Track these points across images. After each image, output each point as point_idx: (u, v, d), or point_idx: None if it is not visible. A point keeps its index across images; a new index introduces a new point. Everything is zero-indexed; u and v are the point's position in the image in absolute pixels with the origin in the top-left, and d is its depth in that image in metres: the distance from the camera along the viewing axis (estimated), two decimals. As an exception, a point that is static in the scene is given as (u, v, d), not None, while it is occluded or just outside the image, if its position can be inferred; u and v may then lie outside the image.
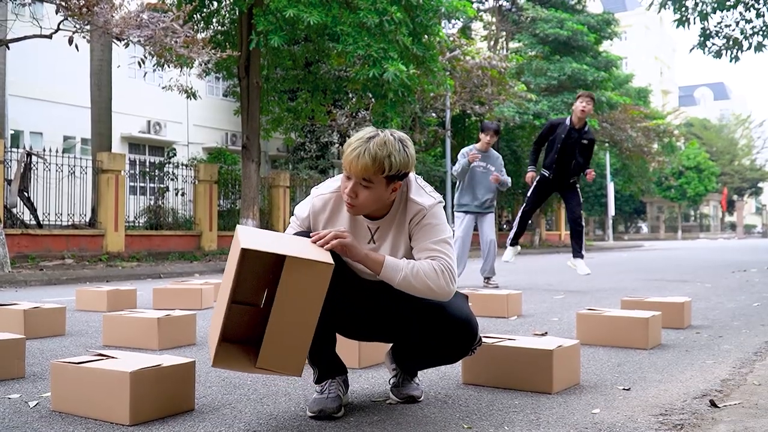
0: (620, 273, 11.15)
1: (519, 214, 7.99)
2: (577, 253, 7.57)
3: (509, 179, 8.22)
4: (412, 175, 2.53)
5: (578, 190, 7.79)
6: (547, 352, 2.85)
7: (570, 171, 7.67)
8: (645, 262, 15.18)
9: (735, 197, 62.91)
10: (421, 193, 2.51)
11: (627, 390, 2.89)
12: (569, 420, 2.45)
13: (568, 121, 7.63)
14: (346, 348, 3.33)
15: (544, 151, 7.92)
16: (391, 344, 2.79)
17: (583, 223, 7.67)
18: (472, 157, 7.80)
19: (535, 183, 7.91)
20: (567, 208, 7.82)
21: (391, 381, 2.75)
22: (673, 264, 14.14)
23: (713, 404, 2.58)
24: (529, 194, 7.96)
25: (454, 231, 8.21)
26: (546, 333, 4.18)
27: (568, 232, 7.75)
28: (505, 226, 29.19)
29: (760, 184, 64.66)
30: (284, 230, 2.72)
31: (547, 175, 7.78)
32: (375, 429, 2.34)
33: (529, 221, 7.91)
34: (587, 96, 7.58)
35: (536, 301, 6.64)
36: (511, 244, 7.88)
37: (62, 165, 13.49)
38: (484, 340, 3.03)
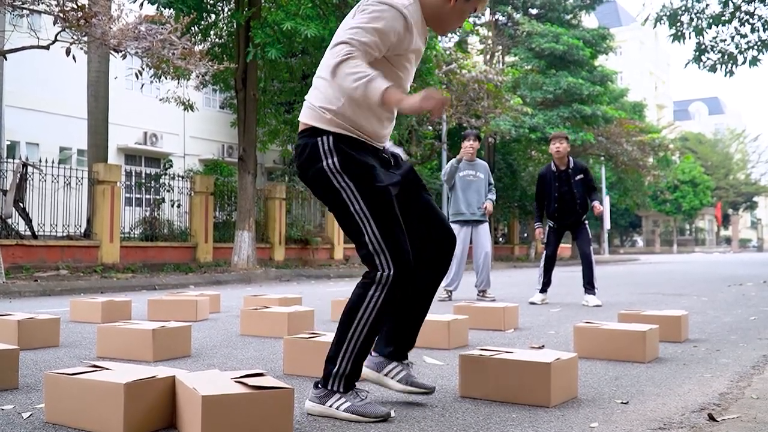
0: (616, 286, 11.14)
1: (542, 261, 7.95)
2: (590, 291, 7.61)
3: (494, 197, 8.27)
4: None
5: (587, 226, 7.85)
6: (545, 365, 2.83)
7: (576, 211, 7.73)
8: (641, 276, 15.18)
9: (730, 211, 63.10)
10: None
11: (625, 404, 2.88)
12: (567, 433, 2.43)
13: (553, 167, 7.79)
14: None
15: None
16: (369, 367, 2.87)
17: (593, 259, 7.70)
18: (464, 152, 7.90)
19: (546, 234, 8.01)
20: (577, 245, 7.88)
21: (401, 375, 2.82)
22: (669, 278, 14.14)
23: (711, 418, 2.57)
24: (545, 244, 8.03)
25: None
26: (543, 346, 4.17)
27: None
28: (501, 239, 29.22)
29: (755, 199, 64.88)
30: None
31: (552, 225, 7.90)
32: (372, 442, 2.32)
33: (554, 266, 7.94)
34: (559, 136, 7.74)
35: (533, 314, 6.63)
36: (541, 291, 7.85)
37: (58, 176, 13.46)
38: (481, 353, 3.03)
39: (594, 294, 7.59)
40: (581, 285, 7.84)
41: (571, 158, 7.79)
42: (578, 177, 7.71)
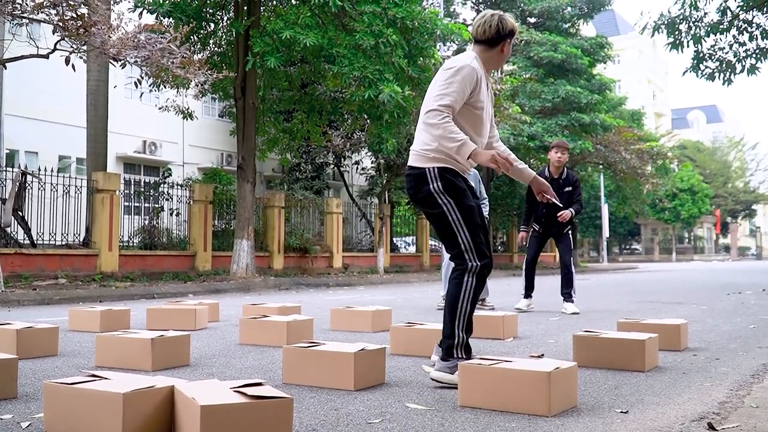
0: (615, 295, 11.13)
1: (524, 267, 8.17)
2: (567, 299, 7.74)
3: (487, 209, 8.30)
4: None
5: (569, 235, 7.95)
6: (544, 374, 2.83)
7: (568, 222, 7.80)
8: (640, 284, 15.18)
9: (729, 219, 63.13)
10: None
11: (625, 413, 2.87)
12: (567, 443, 2.42)
13: (546, 173, 7.80)
14: (340, 369, 3.31)
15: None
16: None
17: (573, 269, 7.82)
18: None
19: (528, 238, 8.10)
20: (558, 253, 7.99)
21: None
22: (668, 286, 14.14)
23: (711, 427, 2.56)
24: (527, 249, 8.15)
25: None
26: (542, 355, 4.16)
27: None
28: (500, 248, 29.22)
29: (753, 207, 64.92)
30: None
31: (537, 228, 8.01)
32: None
33: (534, 271, 8.08)
34: (561, 146, 7.73)
35: (532, 322, 6.63)
36: (525, 296, 7.95)
37: (57, 184, 13.46)
38: (480, 362, 3.03)
39: (572, 302, 7.71)
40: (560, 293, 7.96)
41: (566, 169, 7.83)
42: (567, 189, 7.74)
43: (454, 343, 3.42)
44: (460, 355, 3.41)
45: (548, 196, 3.81)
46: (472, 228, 3.50)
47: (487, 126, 3.63)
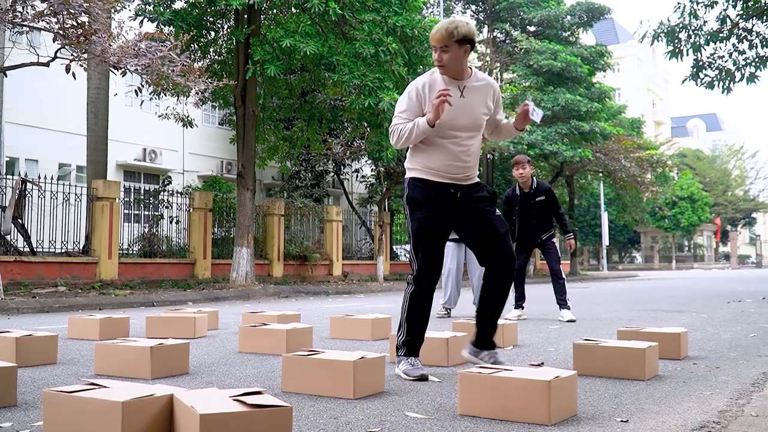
0: (615, 303, 11.12)
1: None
2: (563, 306, 7.78)
3: None
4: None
5: (555, 245, 8.06)
6: (544, 383, 2.82)
7: (539, 232, 7.93)
8: (640, 293, 15.16)
9: (729, 228, 63.09)
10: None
11: (625, 422, 2.87)
12: (567, 452, 2.41)
13: (517, 189, 7.94)
14: (339, 377, 3.30)
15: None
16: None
17: (564, 276, 7.92)
18: None
19: (515, 248, 8.18)
20: (547, 264, 8.09)
21: (491, 359, 3.88)
22: (668, 294, 14.12)
23: (712, 436, 2.56)
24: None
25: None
26: (542, 363, 4.15)
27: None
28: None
29: (753, 215, 64.89)
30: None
31: (518, 240, 8.11)
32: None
33: (524, 280, 8.14)
34: (518, 161, 7.82)
35: (532, 331, 6.62)
36: (516, 307, 7.99)
37: (57, 192, 13.47)
38: (479, 370, 3.03)
39: (568, 309, 7.74)
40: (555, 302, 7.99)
41: (535, 179, 7.92)
42: (539, 198, 7.82)
43: (397, 343, 3.93)
44: (401, 354, 3.89)
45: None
46: (419, 242, 3.78)
47: (454, 129, 3.74)
